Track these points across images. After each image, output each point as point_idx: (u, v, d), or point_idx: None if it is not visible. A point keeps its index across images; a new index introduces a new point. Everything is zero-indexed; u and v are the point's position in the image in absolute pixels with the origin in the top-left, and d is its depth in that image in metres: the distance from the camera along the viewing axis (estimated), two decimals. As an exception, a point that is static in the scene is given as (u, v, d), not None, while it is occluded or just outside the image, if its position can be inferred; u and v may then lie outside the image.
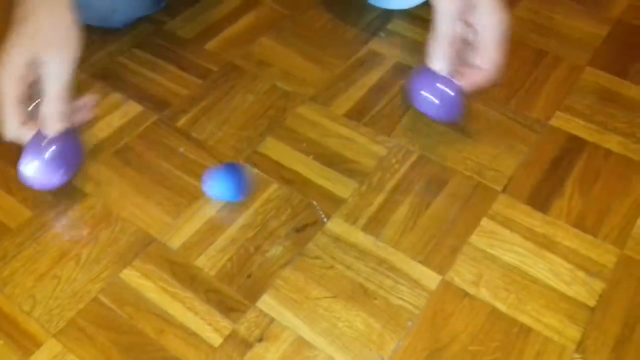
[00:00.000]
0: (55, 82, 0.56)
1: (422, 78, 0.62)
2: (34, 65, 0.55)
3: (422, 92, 0.62)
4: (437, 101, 0.62)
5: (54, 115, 0.57)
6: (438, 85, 0.61)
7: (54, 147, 0.58)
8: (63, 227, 0.60)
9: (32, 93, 0.58)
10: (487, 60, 0.59)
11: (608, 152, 0.65)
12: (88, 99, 0.63)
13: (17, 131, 0.58)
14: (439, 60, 0.59)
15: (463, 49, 0.60)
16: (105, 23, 0.78)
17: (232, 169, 0.61)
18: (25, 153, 0.58)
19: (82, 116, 0.62)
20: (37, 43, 0.55)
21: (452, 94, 0.61)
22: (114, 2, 0.75)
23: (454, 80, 0.60)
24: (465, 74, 0.60)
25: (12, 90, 0.55)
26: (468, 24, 0.58)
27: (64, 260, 0.58)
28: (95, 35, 0.80)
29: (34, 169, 0.58)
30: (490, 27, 0.58)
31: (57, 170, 0.59)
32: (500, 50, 0.58)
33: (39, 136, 0.58)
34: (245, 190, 0.61)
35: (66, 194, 0.63)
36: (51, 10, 0.56)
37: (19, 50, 0.55)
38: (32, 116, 0.58)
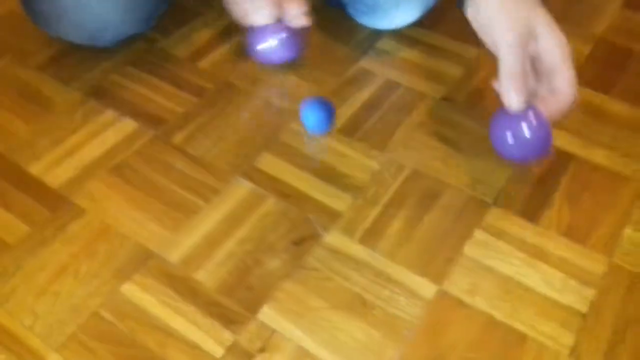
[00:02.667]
0: None
1: (503, 122, 0.58)
2: None
3: (509, 138, 0.58)
4: (525, 140, 0.58)
5: (299, 12, 0.72)
6: (522, 124, 0.57)
7: (284, 32, 0.74)
8: (61, 242, 0.61)
9: None
10: (564, 82, 0.57)
11: (594, 166, 0.68)
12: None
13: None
14: (515, 97, 0.57)
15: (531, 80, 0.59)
16: (96, 42, 0.79)
17: (322, 102, 0.69)
18: (259, 35, 0.74)
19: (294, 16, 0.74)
20: None
21: (538, 128, 0.57)
22: (105, 19, 0.76)
23: (535, 112, 0.57)
24: (546, 103, 0.58)
25: None
26: (530, 54, 0.57)
27: (63, 275, 0.58)
28: (88, 53, 0.80)
29: (267, 47, 0.74)
30: (556, 48, 0.56)
31: (286, 51, 0.75)
32: (572, 69, 0.57)
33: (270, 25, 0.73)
34: (330, 122, 0.70)
35: (64, 210, 0.63)
36: None
37: None
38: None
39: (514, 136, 0.58)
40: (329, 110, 0.69)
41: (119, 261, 0.59)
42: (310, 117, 0.69)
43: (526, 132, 0.58)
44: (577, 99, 0.57)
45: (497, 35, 0.57)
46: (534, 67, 0.59)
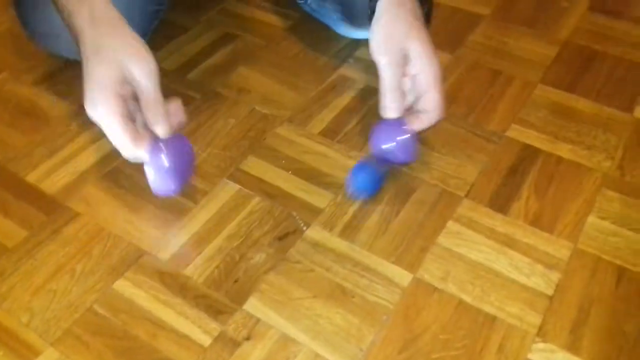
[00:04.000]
0: (149, 87, 0.59)
1: (381, 132, 0.66)
2: (124, 83, 0.59)
3: (383, 145, 0.65)
4: (396, 148, 0.65)
5: (159, 119, 0.60)
6: (396, 134, 0.65)
7: (169, 157, 0.60)
8: (57, 244, 0.64)
9: (130, 111, 0.60)
10: (430, 104, 0.63)
11: (560, 159, 0.72)
12: (175, 104, 0.63)
13: (134, 150, 0.59)
14: (391, 108, 0.64)
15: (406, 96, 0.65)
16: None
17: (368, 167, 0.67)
18: (148, 164, 0.60)
19: (178, 119, 0.63)
20: (120, 60, 0.58)
21: (408, 138, 0.65)
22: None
23: (406, 125, 0.64)
24: (414, 118, 0.64)
25: (117, 107, 0.58)
26: (405, 74, 0.64)
27: (59, 274, 0.62)
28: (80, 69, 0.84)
29: (153, 178, 0.61)
30: (426, 73, 0.63)
31: (174, 178, 0.62)
32: (440, 91, 0.63)
33: (155, 147, 0.60)
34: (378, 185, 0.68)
35: (60, 214, 0.67)
36: (115, 31, 0.60)
37: (107, 73, 0.58)
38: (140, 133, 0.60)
39: (390, 144, 0.65)
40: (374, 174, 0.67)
41: (113, 260, 0.63)
42: (359, 180, 0.67)
43: (398, 141, 0.64)
44: (442, 118, 0.64)
45: (378, 57, 0.63)
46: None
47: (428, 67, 0.62)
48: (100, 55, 0.59)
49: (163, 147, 0.60)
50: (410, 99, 0.65)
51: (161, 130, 0.60)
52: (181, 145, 0.63)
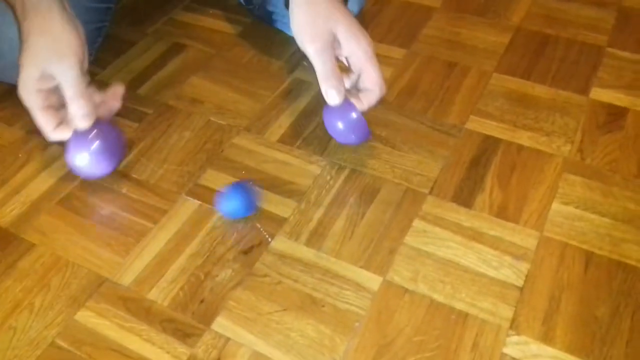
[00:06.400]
0: (70, 85, 0.63)
1: (328, 114, 0.67)
2: (48, 76, 0.63)
3: (334, 126, 0.67)
4: (347, 129, 0.67)
5: (78, 114, 0.64)
6: (343, 115, 0.66)
7: (97, 140, 0.66)
8: (14, 279, 0.61)
9: (59, 100, 0.66)
10: (370, 81, 0.64)
11: (520, 147, 0.71)
12: (115, 89, 0.69)
13: (55, 134, 0.65)
14: (330, 95, 0.64)
15: (349, 76, 0.66)
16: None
17: (240, 187, 0.66)
18: (72, 146, 0.65)
19: (109, 106, 0.69)
20: (41, 60, 0.63)
21: (356, 117, 0.65)
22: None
23: (352, 105, 0.65)
24: (357, 98, 0.65)
25: (36, 101, 0.64)
26: (338, 56, 0.64)
27: (18, 310, 0.59)
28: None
29: (82, 160, 0.66)
30: (358, 52, 0.63)
31: (104, 160, 0.67)
32: (376, 67, 0.63)
33: (82, 134, 0.65)
34: (254, 205, 0.66)
35: (14, 247, 0.64)
36: (41, 26, 0.63)
37: (28, 72, 0.63)
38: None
39: (340, 125, 0.67)
40: (246, 196, 0.65)
41: (72, 290, 0.60)
42: (227, 204, 0.65)
43: (347, 122, 0.66)
44: (383, 94, 0.64)
45: (305, 46, 0.63)
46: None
47: (358, 46, 0.63)
48: (25, 53, 0.63)
49: (90, 133, 0.65)
50: (352, 77, 0.65)
51: (80, 124, 0.64)
52: (109, 130, 0.67)
